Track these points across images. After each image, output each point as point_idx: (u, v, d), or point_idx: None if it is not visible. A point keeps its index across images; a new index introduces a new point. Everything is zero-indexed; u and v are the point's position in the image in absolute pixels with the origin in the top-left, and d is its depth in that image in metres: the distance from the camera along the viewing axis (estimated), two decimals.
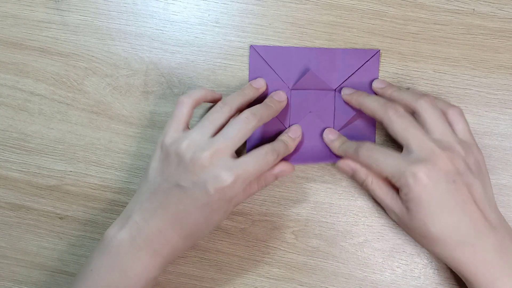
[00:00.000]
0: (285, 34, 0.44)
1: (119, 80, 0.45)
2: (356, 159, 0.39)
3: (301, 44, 0.44)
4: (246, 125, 0.38)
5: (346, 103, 0.43)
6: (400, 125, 0.37)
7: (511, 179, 0.43)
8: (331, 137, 0.42)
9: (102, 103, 0.45)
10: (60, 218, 0.46)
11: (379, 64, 0.43)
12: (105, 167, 0.45)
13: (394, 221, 0.40)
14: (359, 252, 0.44)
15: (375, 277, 0.44)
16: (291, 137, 0.42)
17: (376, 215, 0.44)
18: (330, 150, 0.43)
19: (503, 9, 0.43)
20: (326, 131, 0.43)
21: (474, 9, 0.43)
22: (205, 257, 0.45)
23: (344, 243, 0.44)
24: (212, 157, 0.36)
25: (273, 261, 0.44)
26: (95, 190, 0.45)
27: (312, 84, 0.43)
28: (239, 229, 0.44)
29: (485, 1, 0.43)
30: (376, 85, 0.42)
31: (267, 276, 0.44)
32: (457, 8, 0.43)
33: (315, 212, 0.44)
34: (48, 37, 0.45)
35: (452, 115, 0.39)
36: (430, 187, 0.35)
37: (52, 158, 0.46)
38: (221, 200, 0.37)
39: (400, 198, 0.38)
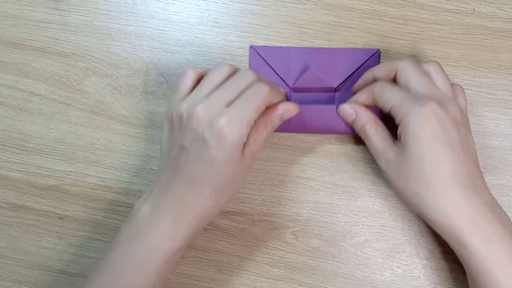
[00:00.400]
0: (285, 34, 0.44)
1: (119, 80, 0.45)
2: (370, 91, 0.38)
3: (301, 44, 0.44)
4: (243, 79, 0.37)
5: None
6: (416, 71, 0.37)
7: (511, 179, 0.43)
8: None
9: (102, 103, 0.45)
10: (60, 218, 0.46)
11: (379, 63, 0.43)
12: (105, 167, 0.45)
13: (382, 170, 0.38)
14: (359, 252, 0.44)
15: (375, 277, 0.44)
16: (277, 87, 0.41)
17: (376, 215, 0.44)
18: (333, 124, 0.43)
19: (503, 9, 0.43)
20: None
21: (474, 9, 0.43)
22: (205, 257, 0.45)
23: (344, 243, 0.44)
24: (206, 110, 0.35)
25: (273, 261, 0.44)
26: (95, 190, 0.45)
27: (312, 82, 0.43)
28: (239, 229, 0.44)
29: (485, 1, 0.43)
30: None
31: (267, 276, 0.44)
32: (457, 8, 0.43)
33: (315, 212, 0.44)
34: (48, 37, 0.45)
35: (456, 89, 0.39)
36: (437, 123, 0.34)
37: (52, 158, 0.46)
38: (224, 147, 0.35)
39: (398, 137, 0.37)
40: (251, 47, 0.44)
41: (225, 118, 0.35)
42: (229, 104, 0.36)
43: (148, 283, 0.37)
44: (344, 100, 0.43)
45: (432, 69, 0.38)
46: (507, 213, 0.43)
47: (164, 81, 0.45)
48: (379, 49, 0.43)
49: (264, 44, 0.44)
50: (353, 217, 0.44)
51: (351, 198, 0.44)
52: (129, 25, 0.45)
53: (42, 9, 0.45)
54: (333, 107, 0.42)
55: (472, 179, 0.35)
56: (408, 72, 0.37)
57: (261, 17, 0.44)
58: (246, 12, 0.44)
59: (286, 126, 0.43)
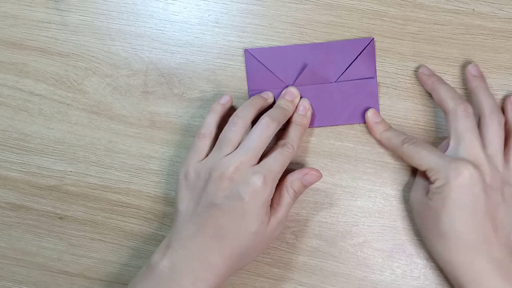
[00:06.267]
0: (285, 34, 0.44)
1: (119, 80, 0.45)
2: (398, 149, 0.40)
3: (301, 44, 0.44)
4: (266, 131, 0.39)
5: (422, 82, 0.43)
6: (463, 124, 0.38)
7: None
8: (375, 119, 0.42)
9: (102, 103, 0.45)
10: (60, 218, 0.46)
11: (375, 52, 0.43)
12: (105, 167, 0.45)
13: (411, 199, 0.41)
14: (359, 252, 0.44)
15: (375, 277, 0.44)
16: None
17: (376, 215, 0.44)
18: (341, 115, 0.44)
19: (503, 9, 0.43)
20: (369, 112, 0.43)
21: (474, 9, 0.43)
22: None
23: (344, 243, 0.44)
24: (238, 170, 0.38)
25: (273, 261, 0.44)
26: (95, 190, 0.45)
27: (311, 79, 0.43)
28: None
29: (485, 1, 0.43)
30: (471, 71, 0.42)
31: (267, 276, 0.44)
32: (457, 8, 0.43)
33: (315, 212, 0.44)
34: (48, 37, 0.45)
35: None
36: (466, 187, 0.36)
37: (52, 158, 0.46)
38: (256, 203, 0.37)
39: (429, 189, 0.38)
40: (246, 50, 0.44)
41: (260, 177, 0.37)
42: (257, 160, 0.39)
43: None
44: (343, 91, 0.43)
45: (488, 125, 0.39)
46: None
47: (164, 81, 0.45)
48: (373, 38, 0.43)
49: (264, 45, 0.44)
50: (353, 217, 0.44)
51: (351, 198, 0.44)
52: (129, 25, 0.45)
53: (42, 9, 0.45)
54: (332, 85, 0.43)
55: (485, 238, 0.37)
56: (457, 124, 0.38)
57: (261, 17, 0.44)
58: (246, 12, 0.44)
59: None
